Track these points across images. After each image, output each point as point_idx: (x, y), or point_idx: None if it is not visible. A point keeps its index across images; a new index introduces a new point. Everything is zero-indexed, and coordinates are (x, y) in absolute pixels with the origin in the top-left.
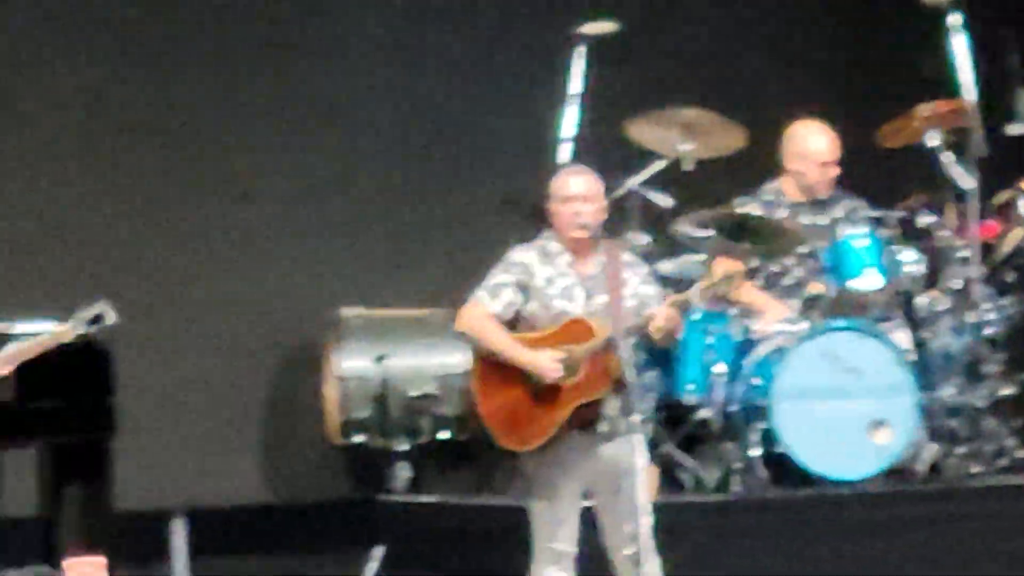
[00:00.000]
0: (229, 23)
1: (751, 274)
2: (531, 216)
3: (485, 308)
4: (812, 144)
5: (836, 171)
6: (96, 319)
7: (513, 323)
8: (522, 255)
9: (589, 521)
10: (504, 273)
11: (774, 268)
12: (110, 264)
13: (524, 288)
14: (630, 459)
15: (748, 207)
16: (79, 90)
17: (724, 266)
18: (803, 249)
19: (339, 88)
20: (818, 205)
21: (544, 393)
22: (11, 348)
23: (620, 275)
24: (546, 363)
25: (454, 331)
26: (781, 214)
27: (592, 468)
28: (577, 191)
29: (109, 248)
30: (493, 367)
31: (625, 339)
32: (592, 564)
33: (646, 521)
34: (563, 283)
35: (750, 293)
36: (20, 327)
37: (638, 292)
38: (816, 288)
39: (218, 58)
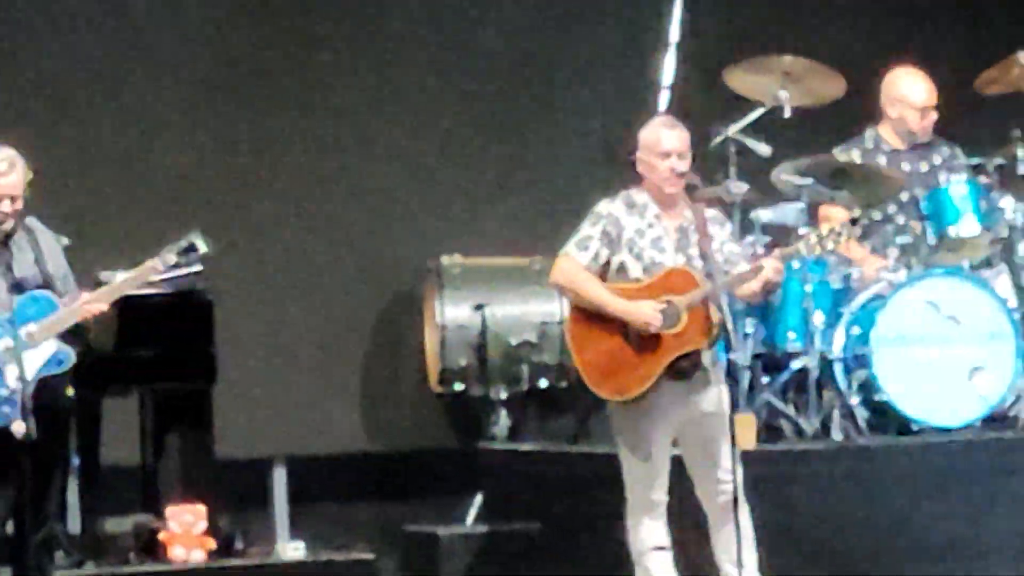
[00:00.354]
0: None
1: (854, 223)
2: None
3: (576, 260)
4: (910, 89)
5: (934, 116)
6: (188, 249)
7: (603, 274)
8: (609, 207)
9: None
10: (592, 226)
11: (874, 215)
12: (213, 214)
13: (613, 240)
14: (722, 407)
15: (847, 154)
16: (198, 41)
17: (832, 219)
18: (903, 196)
19: (434, 36)
20: (917, 152)
21: (643, 342)
22: (107, 286)
23: (708, 228)
24: (646, 312)
25: (549, 284)
26: (880, 160)
27: (684, 417)
28: (673, 146)
29: (213, 198)
30: (588, 317)
31: (726, 290)
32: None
33: (738, 470)
34: (653, 234)
35: (849, 244)
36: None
37: (723, 249)
38: (916, 234)
39: (324, 18)
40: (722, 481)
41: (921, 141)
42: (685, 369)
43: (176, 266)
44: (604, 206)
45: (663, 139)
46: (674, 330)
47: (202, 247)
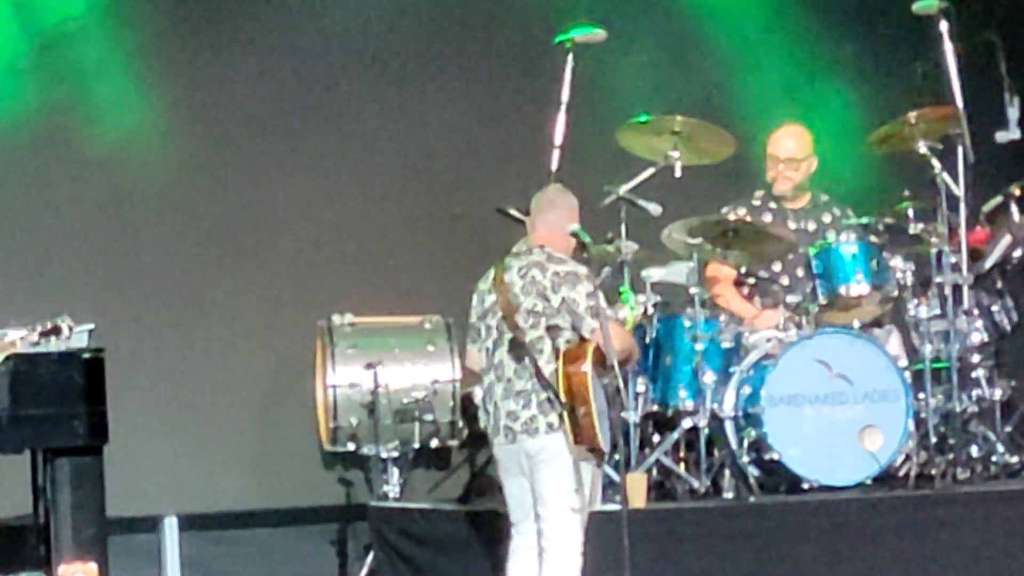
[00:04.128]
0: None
1: (740, 281)
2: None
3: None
4: (775, 144)
5: (796, 170)
6: (51, 331)
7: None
8: None
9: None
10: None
11: (763, 274)
12: (104, 274)
13: None
14: None
15: (735, 212)
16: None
17: (721, 277)
18: (792, 255)
19: (330, 99)
20: (805, 211)
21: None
22: None
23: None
24: None
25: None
26: (766, 218)
27: None
28: None
29: (97, 260)
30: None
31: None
32: None
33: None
34: None
35: (738, 301)
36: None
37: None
38: (805, 294)
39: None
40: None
41: (783, 193)
42: None
43: (38, 344)
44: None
45: None
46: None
47: (65, 332)
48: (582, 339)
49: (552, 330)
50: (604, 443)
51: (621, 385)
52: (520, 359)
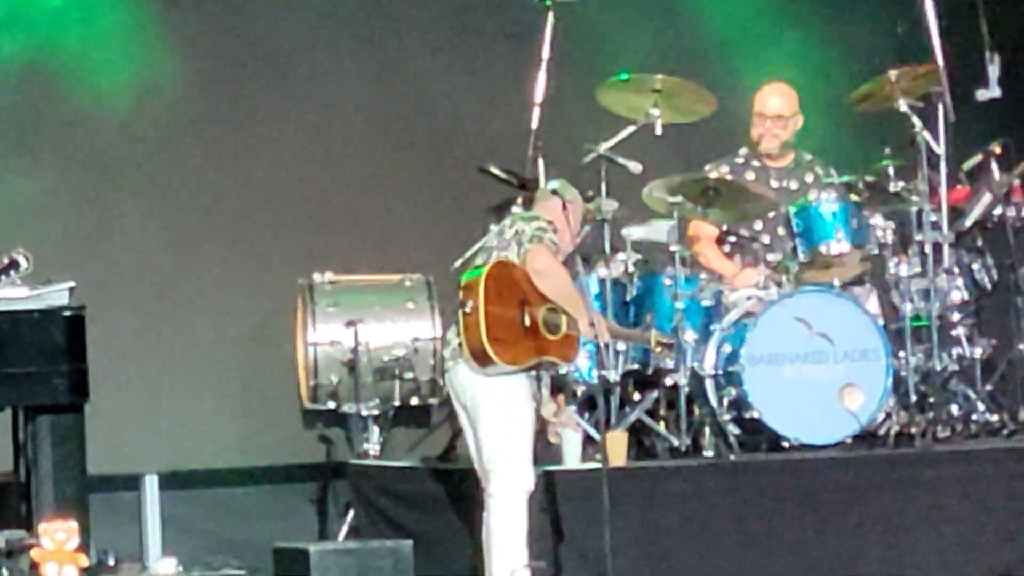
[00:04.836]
0: None
1: (721, 239)
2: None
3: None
4: (762, 102)
5: (784, 128)
6: (8, 267)
7: None
8: None
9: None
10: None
11: (744, 232)
12: (85, 230)
13: None
14: None
15: (718, 170)
16: None
17: (702, 236)
18: (773, 214)
19: (311, 56)
20: (787, 169)
21: (529, 329)
22: None
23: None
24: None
25: (531, 267)
26: (749, 176)
27: None
28: None
29: (77, 218)
30: (502, 283)
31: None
32: None
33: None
34: None
35: (719, 259)
36: None
37: None
38: (786, 252)
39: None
40: None
41: (771, 151)
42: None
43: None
44: None
45: None
46: (558, 335)
47: (24, 264)
48: None
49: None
50: (492, 347)
51: (602, 345)
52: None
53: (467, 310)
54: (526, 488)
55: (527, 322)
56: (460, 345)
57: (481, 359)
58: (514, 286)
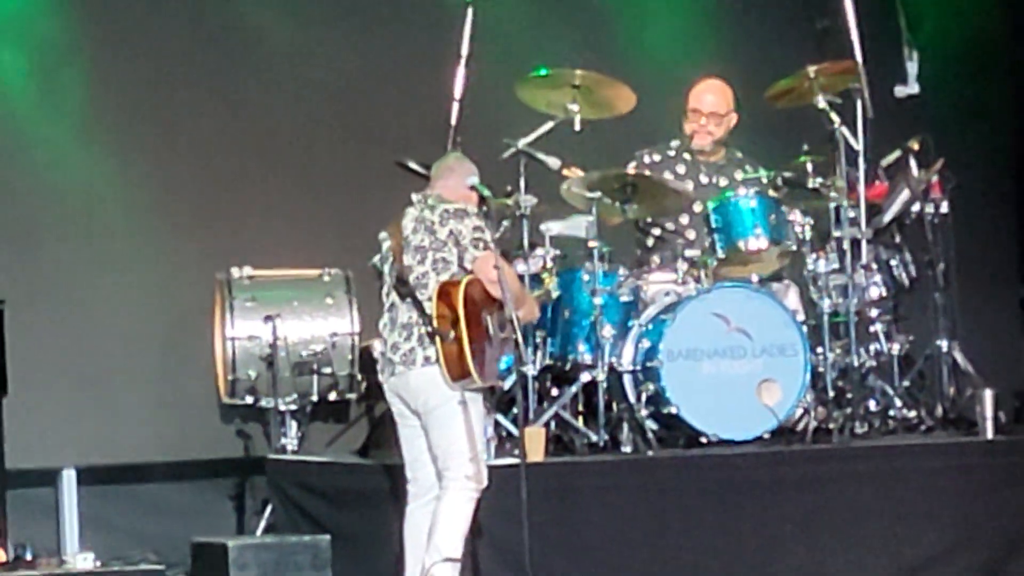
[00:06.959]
0: None
1: (643, 234)
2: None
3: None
4: (696, 98)
5: (718, 125)
6: None
7: None
8: None
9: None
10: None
11: (669, 226)
12: (4, 223)
13: None
14: None
15: (649, 156)
16: None
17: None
18: (700, 209)
19: (226, 50)
20: (716, 165)
21: (492, 339)
22: None
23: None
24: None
25: (485, 278)
26: (679, 169)
27: None
28: None
29: (5, 207)
30: (472, 306)
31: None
32: None
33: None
34: None
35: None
36: None
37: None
38: (704, 248)
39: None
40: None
41: (703, 147)
42: None
43: None
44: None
45: None
46: (506, 332)
47: None
48: (465, 272)
49: (438, 263)
50: (476, 371)
51: (520, 339)
52: (405, 295)
53: (449, 340)
54: (483, 485)
55: (491, 331)
56: (416, 354)
57: (460, 379)
58: (476, 304)
